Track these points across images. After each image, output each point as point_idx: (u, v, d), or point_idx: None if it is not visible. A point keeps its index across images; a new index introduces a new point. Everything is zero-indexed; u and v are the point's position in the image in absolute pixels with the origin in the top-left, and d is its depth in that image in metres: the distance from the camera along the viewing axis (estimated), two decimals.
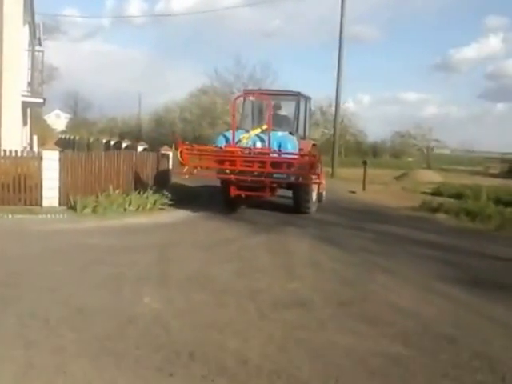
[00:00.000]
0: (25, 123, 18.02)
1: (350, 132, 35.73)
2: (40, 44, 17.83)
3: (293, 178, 10.95)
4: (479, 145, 60.98)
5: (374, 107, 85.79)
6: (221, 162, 10.69)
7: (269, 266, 7.16)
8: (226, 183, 11.14)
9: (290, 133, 11.26)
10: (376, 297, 5.96)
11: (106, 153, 11.52)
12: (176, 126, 40.35)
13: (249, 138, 10.85)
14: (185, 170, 10.81)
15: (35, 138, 23.76)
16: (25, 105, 14.92)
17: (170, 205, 11.40)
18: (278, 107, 11.97)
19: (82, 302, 5.29)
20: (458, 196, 15.71)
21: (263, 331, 4.74)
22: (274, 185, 10.95)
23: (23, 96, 13.96)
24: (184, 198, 12.14)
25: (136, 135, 43.61)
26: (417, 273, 7.09)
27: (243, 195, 11.12)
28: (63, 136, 47.25)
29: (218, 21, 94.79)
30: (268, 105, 11.29)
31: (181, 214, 10.92)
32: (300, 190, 11.32)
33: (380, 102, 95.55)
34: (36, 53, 16.16)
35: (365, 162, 17.37)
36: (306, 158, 10.49)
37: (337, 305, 5.62)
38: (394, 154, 41.65)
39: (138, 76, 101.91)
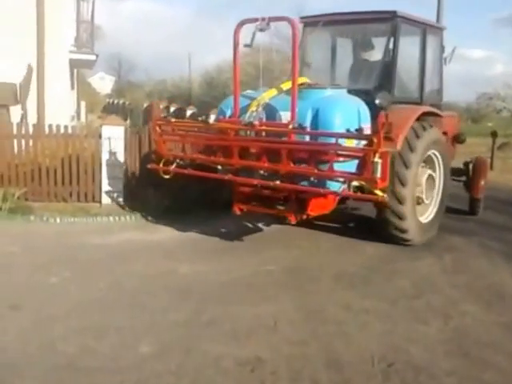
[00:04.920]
0: (72, 87, 15.32)
1: None
2: None
3: (344, 187, 5.38)
4: None
5: None
6: (210, 151, 6.05)
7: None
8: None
9: (367, 92, 6.01)
10: None
11: None
12: (229, 89, 37.08)
13: (258, 105, 5.73)
14: (161, 163, 6.32)
15: (83, 104, 21.19)
16: (72, 64, 12.12)
17: None
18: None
19: None
20: None
21: None
22: (304, 195, 5.65)
23: (71, 52, 11.14)
24: None
25: (186, 99, 40.52)
26: None
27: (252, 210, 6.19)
28: (110, 100, 44.89)
29: None
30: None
31: None
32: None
33: None
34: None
35: (494, 134, 13.48)
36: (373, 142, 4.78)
37: None
38: (474, 119, 36.84)
39: (185, 35, 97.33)
